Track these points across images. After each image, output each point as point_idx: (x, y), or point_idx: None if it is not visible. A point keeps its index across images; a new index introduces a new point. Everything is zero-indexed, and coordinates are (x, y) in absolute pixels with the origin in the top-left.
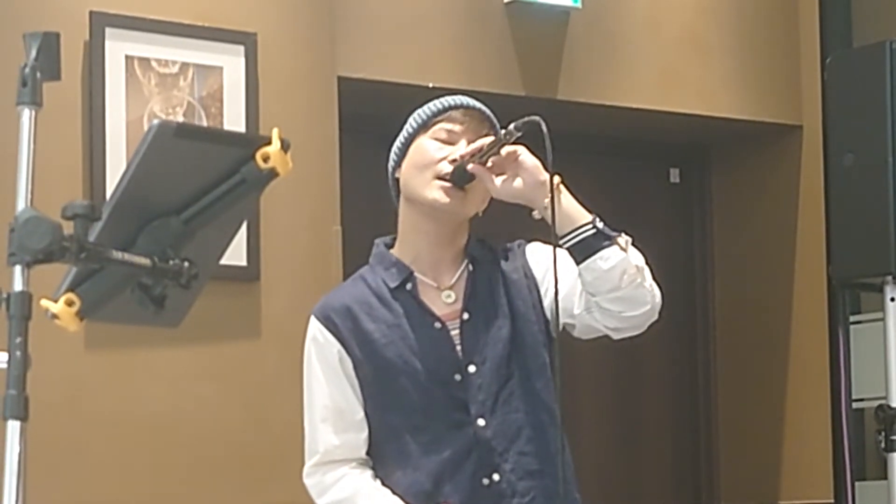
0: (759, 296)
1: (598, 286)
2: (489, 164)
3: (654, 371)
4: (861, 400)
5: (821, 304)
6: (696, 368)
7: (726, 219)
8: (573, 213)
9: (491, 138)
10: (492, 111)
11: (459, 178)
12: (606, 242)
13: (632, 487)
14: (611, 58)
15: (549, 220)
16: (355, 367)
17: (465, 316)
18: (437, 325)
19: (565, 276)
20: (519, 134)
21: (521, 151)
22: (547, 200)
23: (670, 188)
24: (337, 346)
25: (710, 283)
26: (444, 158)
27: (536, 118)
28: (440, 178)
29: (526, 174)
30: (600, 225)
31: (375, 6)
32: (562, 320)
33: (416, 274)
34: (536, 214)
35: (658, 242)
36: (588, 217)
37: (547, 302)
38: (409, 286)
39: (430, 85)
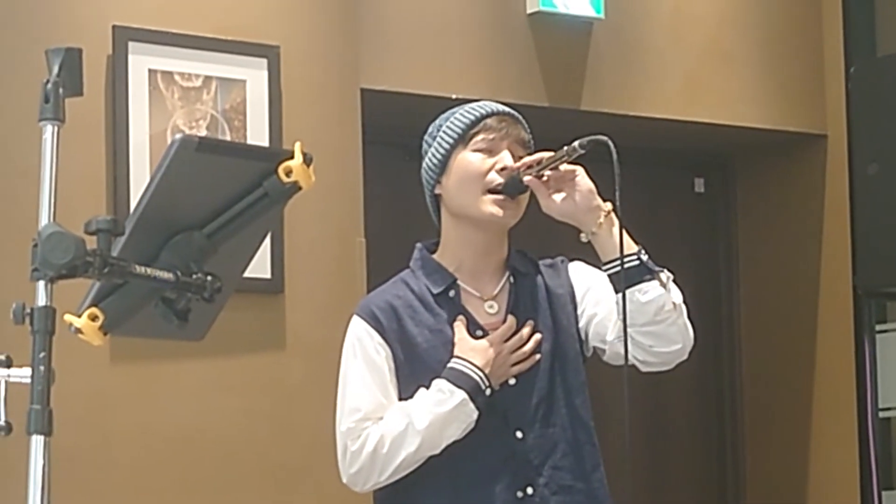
0: (785, 305)
1: (633, 318)
2: (544, 177)
3: (679, 380)
4: (887, 409)
5: (846, 314)
6: (721, 377)
7: (751, 228)
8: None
9: (549, 153)
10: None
11: (513, 189)
12: (648, 276)
13: (657, 495)
14: (634, 68)
15: (597, 245)
16: (397, 367)
17: None
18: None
19: (604, 301)
20: (582, 152)
21: (579, 172)
22: (595, 226)
23: (695, 198)
24: (382, 342)
25: (735, 293)
26: (491, 169)
27: (604, 138)
28: (492, 191)
29: (580, 196)
30: (644, 258)
31: (398, 18)
32: (594, 344)
33: (459, 282)
34: (584, 237)
35: (683, 252)
36: (634, 248)
37: (582, 323)
38: (452, 293)
39: (454, 96)
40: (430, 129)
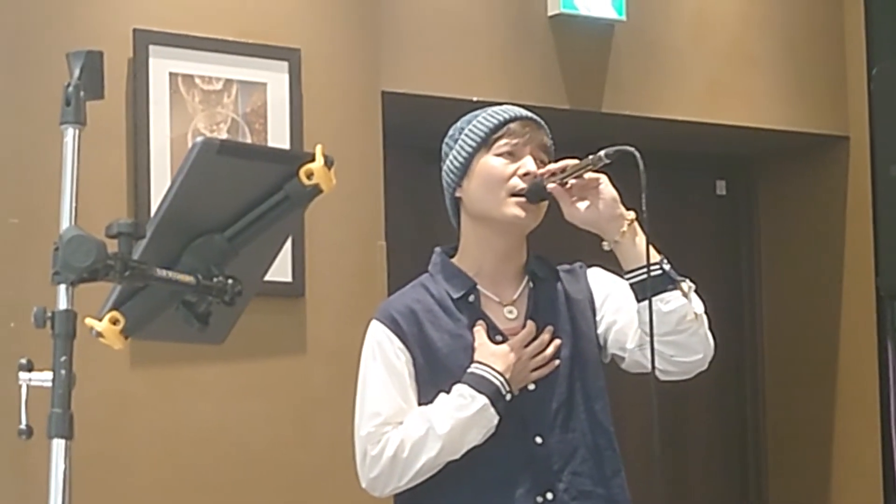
0: (807, 307)
1: (654, 327)
2: (568, 185)
3: (700, 383)
4: None
5: (869, 316)
6: (743, 381)
7: (773, 230)
8: (643, 251)
9: (574, 161)
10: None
11: (535, 195)
12: (670, 286)
13: (679, 501)
14: (656, 70)
15: (619, 254)
16: (416, 372)
17: None
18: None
19: (624, 308)
20: (608, 161)
21: (603, 181)
22: (618, 235)
23: (717, 200)
24: (402, 347)
25: (757, 295)
26: (513, 174)
27: (631, 149)
28: (515, 194)
29: (604, 205)
30: (667, 267)
31: (419, 20)
32: (612, 351)
33: (478, 287)
34: (606, 246)
35: (705, 254)
36: (656, 257)
37: (601, 329)
38: (471, 298)
39: (475, 99)
40: (450, 132)
